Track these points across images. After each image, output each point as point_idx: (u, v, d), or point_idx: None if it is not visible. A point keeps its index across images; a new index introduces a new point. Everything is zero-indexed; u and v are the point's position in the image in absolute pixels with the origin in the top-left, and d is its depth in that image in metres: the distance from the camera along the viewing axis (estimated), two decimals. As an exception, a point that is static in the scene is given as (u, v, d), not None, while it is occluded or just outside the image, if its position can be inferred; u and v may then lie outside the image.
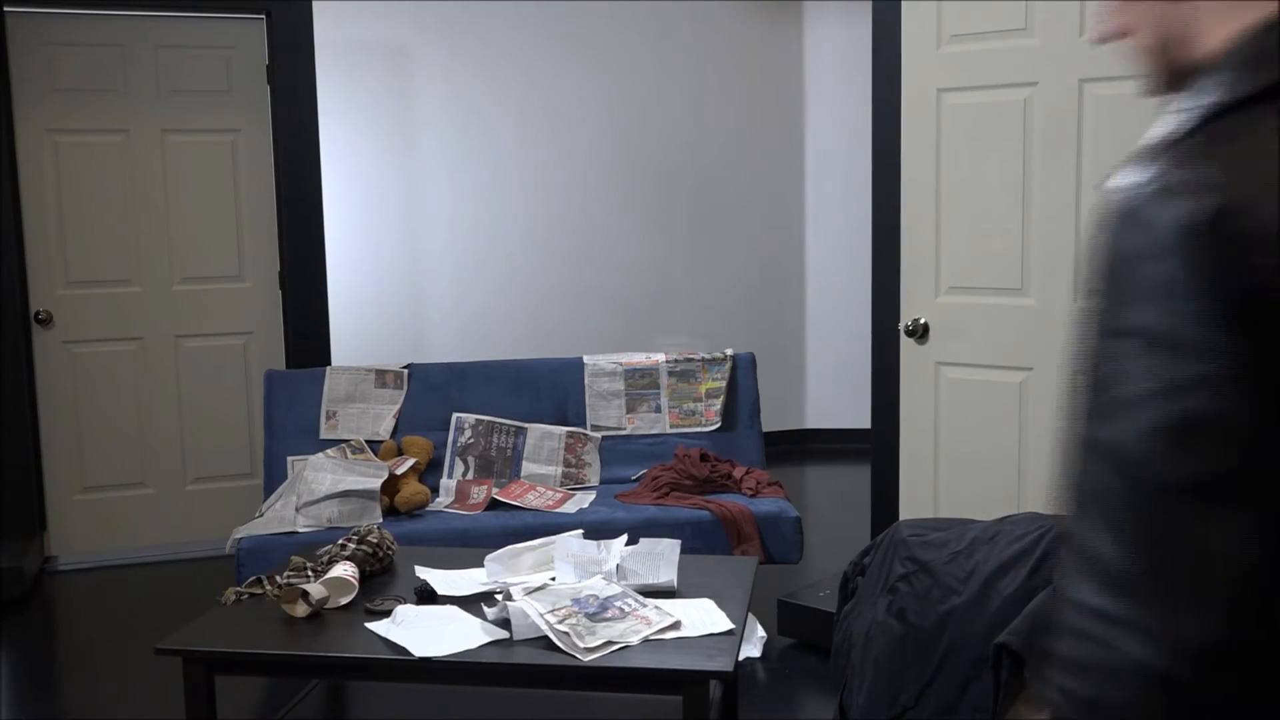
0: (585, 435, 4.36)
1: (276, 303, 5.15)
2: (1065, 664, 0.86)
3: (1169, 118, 0.91)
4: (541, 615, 2.59)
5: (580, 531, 3.03)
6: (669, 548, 2.86)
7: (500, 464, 4.29)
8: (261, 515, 3.96)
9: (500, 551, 2.98)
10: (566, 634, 2.53)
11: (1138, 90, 3.35)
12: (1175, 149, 0.86)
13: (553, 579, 2.89)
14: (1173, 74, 0.96)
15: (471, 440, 4.31)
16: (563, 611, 2.63)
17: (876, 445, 4.02)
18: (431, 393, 4.40)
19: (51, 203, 4.91)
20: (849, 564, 2.75)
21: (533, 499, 4.10)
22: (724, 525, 3.87)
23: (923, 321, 3.82)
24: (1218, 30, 0.91)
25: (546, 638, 2.54)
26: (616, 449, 4.40)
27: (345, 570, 2.88)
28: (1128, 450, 0.83)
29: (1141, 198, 0.85)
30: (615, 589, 2.78)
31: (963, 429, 3.80)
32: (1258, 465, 0.81)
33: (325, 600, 2.76)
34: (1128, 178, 0.88)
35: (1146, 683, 0.82)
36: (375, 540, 3.07)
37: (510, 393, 4.41)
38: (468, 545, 3.57)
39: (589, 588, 2.78)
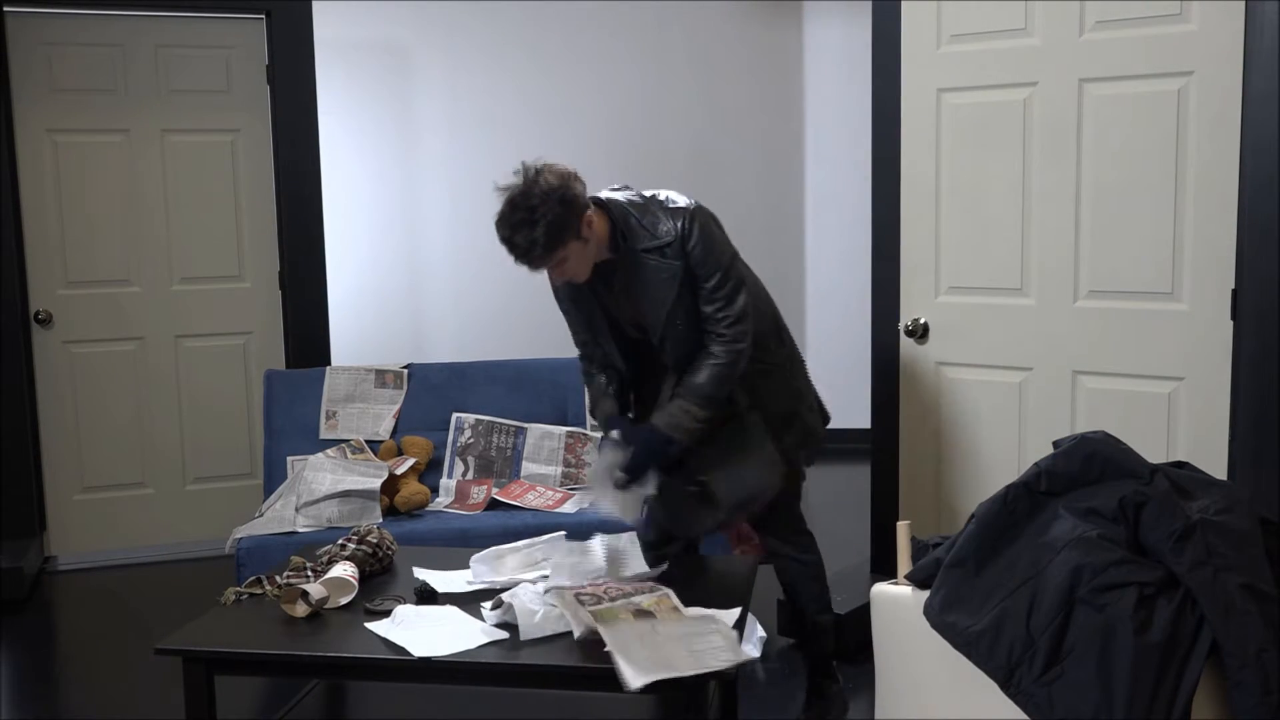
0: (585, 435, 4.36)
1: (276, 303, 5.15)
2: None
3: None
4: (543, 598, 2.60)
5: (563, 534, 3.01)
6: (628, 541, 2.86)
7: (500, 464, 4.29)
8: (261, 515, 3.96)
9: (484, 552, 2.96)
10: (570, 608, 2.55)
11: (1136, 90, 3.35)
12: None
13: (544, 577, 2.88)
14: None
15: (471, 440, 4.31)
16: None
17: (876, 445, 4.01)
18: (431, 393, 4.40)
19: (51, 203, 4.90)
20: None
21: (532, 499, 4.10)
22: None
23: (923, 321, 3.82)
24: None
25: (547, 637, 2.54)
26: (616, 449, 4.39)
27: (345, 570, 2.88)
28: None
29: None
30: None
31: (963, 429, 3.80)
32: None
33: (325, 600, 2.76)
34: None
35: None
36: (375, 540, 3.07)
37: (510, 393, 4.41)
38: (468, 545, 3.55)
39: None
